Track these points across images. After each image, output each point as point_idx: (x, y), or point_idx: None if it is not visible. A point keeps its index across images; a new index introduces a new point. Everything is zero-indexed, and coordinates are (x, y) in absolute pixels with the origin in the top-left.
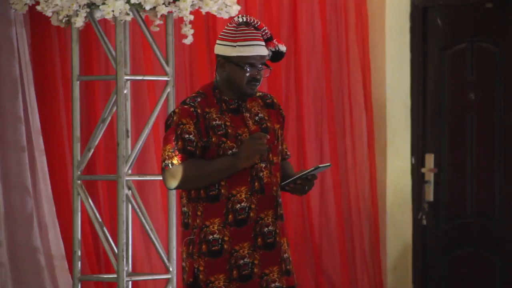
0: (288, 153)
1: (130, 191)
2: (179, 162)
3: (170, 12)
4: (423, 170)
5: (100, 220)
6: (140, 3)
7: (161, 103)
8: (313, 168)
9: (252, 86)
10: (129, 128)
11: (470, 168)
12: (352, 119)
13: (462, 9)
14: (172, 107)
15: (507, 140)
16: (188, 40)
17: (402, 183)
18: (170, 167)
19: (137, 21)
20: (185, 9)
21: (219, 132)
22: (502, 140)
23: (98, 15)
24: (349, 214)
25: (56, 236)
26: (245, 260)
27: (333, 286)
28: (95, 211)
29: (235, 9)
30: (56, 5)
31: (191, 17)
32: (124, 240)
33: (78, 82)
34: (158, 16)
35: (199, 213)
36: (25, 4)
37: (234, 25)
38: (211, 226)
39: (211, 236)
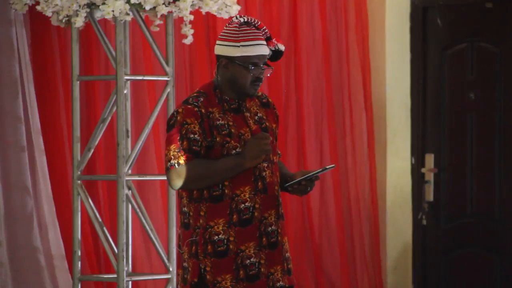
0: (279, 152)
1: (130, 191)
2: (185, 162)
3: (170, 12)
4: (423, 170)
5: (100, 220)
6: (140, 3)
7: (161, 103)
8: (320, 170)
9: (255, 86)
10: (129, 128)
11: (470, 168)
12: (352, 119)
13: (462, 9)
14: (172, 107)
15: (507, 140)
16: (188, 40)
17: (402, 183)
18: (177, 167)
19: (137, 21)
20: (185, 9)
21: (223, 132)
22: (502, 140)
23: (98, 15)
24: (349, 214)
25: (56, 236)
26: (252, 260)
27: (333, 286)
28: (95, 211)
29: (235, 9)
30: (56, 5)
31: (191, 17)
32: (124, 240)
33: (78, 82)
34: (158, 16)
35: (202, 213)
36: (25, 4)
37: (235, 25)
38: (215, 227)
39: (216, 237)
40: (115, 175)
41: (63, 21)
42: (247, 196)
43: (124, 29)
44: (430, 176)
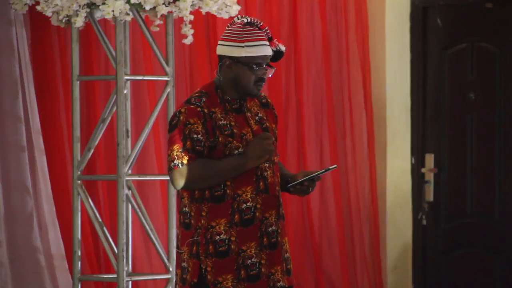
0: (278, 153)
1: (130, 191)
2: (189, 162)
3: (170, 12)
4: (423, 170)
5: (100, 220)
6: (140, 3)
7: (161, 103)
8: (322, 170)
9: (259, 86)
10: (129, 128)
11: (470, 168)
12: (352, 119)
13: (462, 9)
14: (172, 107)
15: (507, 140)
16: (188, 40)
17: (402, 183)
18: (180, 167)
19: (137, 21)
20: (185, 9)
21: (225, 132)
22: (502, 140)
23: (98, 15)
24: (349, 214)
25: (56, 236)
26: (253, 260)
27: (333, 286)
28: (95, 211)
29: (235, 9)
30: (56, 5)
31: (191, 17)
32: (124, 240)
33: (78, 82)
34: (158, 16)
35: (203, 213)
36: (25, 4)
37: (239, 25)
38: (217, 227)
39: (217, 237)
40: (115, 175)
41: (63, 21)
42: (248, 196)
43: (124, 29)
44: (430, 176)
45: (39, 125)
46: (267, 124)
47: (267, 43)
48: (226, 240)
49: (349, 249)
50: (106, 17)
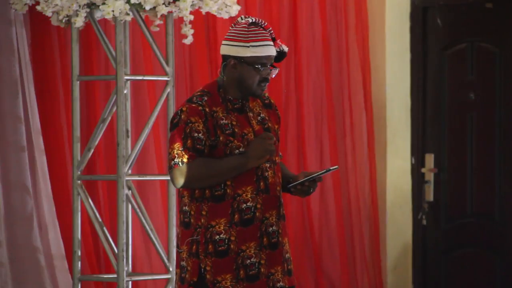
0: (280, 153)
1: (130, 191)
2: (189, 160)
3: (170, 12)
4: (423, 170)
5: (100, 220)
6: (140, 3)
7: (161, 103)
8: (324, 171)
9: (263, 87)
10: (129, 128)
11: (470, 168)
12: (352, 119)
13: (462, 9)
14: (172, 107)
15: (507, 140)
16: (188, 40)
17: (402, 183)
18: (180, 165)
19: (137, 21)
20: (185, 9)
21: (226, 131)
22: (502, 140)
23: (98, 15)
24: (349, 214)
25: (56, 236)
26: (252, 260)
27: (333, 286)
28: (95, 211)
29: (235, 9)
30: (56, 5)
31: (191, 17)
32: (124, 240)
33: (78, 82)
34: (158, 16)
35: (203, 212)
36: (25, 4)
37: (244, 25)
38: (217, 226)
39: (217, 236)
40: (115, 175)
41: (63, 21)
42: (249, 196)
43: (124, 29)
44: (430, 176)
45: (39, 125)
46: (269, 124)
47: (271, 43)
48: (226, 240)
49: (349, 249)
50: (106, 17)
